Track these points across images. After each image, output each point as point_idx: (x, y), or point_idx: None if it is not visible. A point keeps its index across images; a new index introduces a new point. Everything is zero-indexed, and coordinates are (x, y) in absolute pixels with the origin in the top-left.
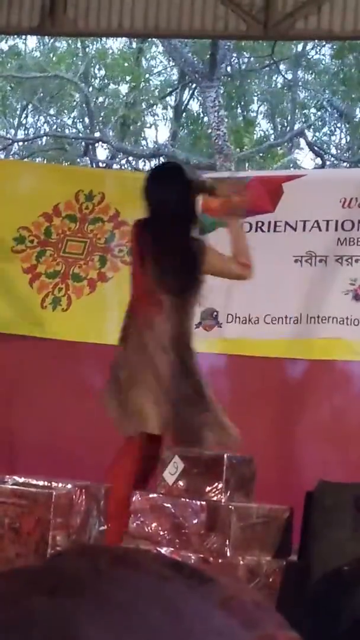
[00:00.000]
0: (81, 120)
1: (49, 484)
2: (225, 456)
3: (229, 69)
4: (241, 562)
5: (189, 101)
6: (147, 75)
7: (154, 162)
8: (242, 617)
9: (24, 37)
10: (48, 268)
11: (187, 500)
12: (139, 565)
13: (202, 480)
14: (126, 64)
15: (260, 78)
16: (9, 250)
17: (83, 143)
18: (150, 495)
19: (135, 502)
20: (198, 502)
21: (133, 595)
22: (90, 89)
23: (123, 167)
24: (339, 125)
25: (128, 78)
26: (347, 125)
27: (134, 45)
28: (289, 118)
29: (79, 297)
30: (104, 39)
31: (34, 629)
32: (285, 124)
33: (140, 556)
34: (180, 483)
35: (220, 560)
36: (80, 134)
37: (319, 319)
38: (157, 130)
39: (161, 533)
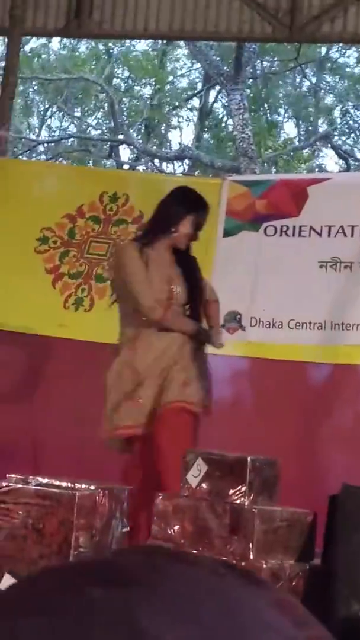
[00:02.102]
0: (106, 122)
1: (72, 485)
2: (249, 459)
3: (253, 71)
4: (264, 566)
5: (213, 103)
6: (171, 78)
7: (178, 164)
8: (292, 616)
9: (48, 39)
10: (71, 269)
11: (210, 503)
12: (193, 561)
13: (225, 483)
14: (150, 66)
15: (285, 81)
16: (32, 250)
17: (108, 145)
18: (173, 498)
19: (159, 505)
20: (221, 505)
21: (188, 588)
22: (115, 90)
23: (147, 169)
24: None
25: (152, 80)
26: None
27: (158, 47)
28: (313, 122)
29: (102, 298)
30: (127, 40)
31: (94, 618)
32: (310, 127)
33: (195, 555)
34: (204, 485)
35: (243, 564)
36: (105, 136)
37: (343, 326)
38: (182, 133)
39: (184, 535)
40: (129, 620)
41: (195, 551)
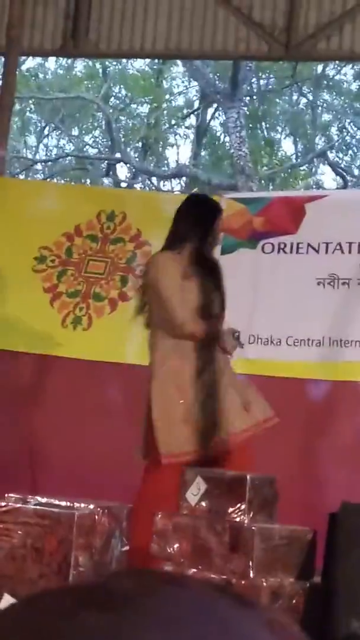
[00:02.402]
0: (103, 140)
1: (71, 505)
2: (247, 477)
3: (250, 89)
4: (264, 584)
5: (210, 122)
6: (167, 96)
7: (175, 182)
8: (285, 638)
9: (44, 58)
10: (69, 287)
11: (210, 521)
12: (184, 584)
13: (224, 501)
14: (147, 85)
15: (281, 99)
16: (30, 269)
17: (105, 163)
18: (173, 516)
19: (158, 523)
20: (220, 523)
21: (183, 611)
22: (112, 110)
23: (144, 188)
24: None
25: (149, 98)
26: None
27: (154, 66)
28: (310, 139)
29: (100, 317)
30: (124, 59)
31: None
32: (305, 143)
33: (186, 577)
34: (203, 504)
35: (243, 582)
36: (102, 155)
37: (342, 343)
38: (179, 151)
39: (184, 554)
40: None
41: (195, 569)
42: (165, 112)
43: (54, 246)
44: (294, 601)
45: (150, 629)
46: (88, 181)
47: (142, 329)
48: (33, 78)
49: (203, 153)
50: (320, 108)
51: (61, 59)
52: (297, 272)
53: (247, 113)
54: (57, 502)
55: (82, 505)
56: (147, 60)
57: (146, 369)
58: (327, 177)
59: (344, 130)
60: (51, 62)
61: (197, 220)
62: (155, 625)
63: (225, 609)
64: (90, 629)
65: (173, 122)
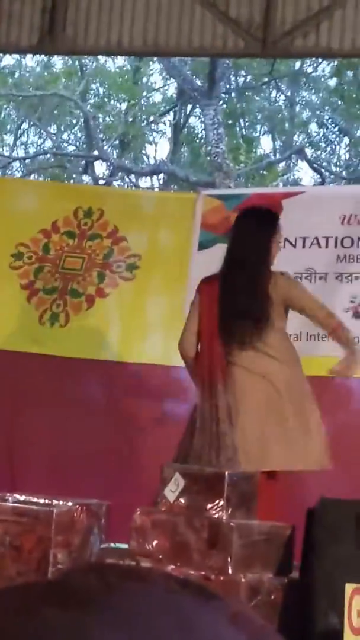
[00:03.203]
0: (81, 138)
1: (50, 502)
2: (226, 473)
3: (228, 86)
4: (243, 580)
5: (187, 118)
6: (145, 93)
7: (154, 179)
8: (249, 631)
9: (22, 55)
10: (46, 284)
11: (189, 517)
12: (147, 579)
13: (203, 498)
14: (124, 82)
15: (259, 96)
16: (7, 266)
17: (83, 161)
18: (151, 513)
19: (137, 519)
20: (199, 520)
21: (144, 607)
22: (89, 107)
23: (123, 185)
24: (338, 142)
25: (126, 96)
26: (347, 142)
27: (132, 63)
28: (288, 135)
29: (77, 314)
30: (101, 57)
31: (48, 638)
32: (283, 139)
33: (148, 572)
34: (182, 500)
35: (221, 578)
36: (80, 152)
37: (318, 337)
38: (157, 148)
39: (162, 550)
40: None
41: (173, 566)
42: (143, 109)
43: (31, 243)
44: (272, 597)
45: (112, 626)
46: (67, 179)
47: (120, 325)
48: (10, 76)
49: (182, 150)
50: (298, 105)
51: (39, 55)
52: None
53: (226, 110)
54: (35, 499)
55: (61, 502)
56: (124, 58)
57: (124, 366)
58: (305, 174)
59: (322, 126)
60: (28, 59)
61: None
62: (117, 622)
63: (188, 604)
64: (52, 627)
65: (151, 119)
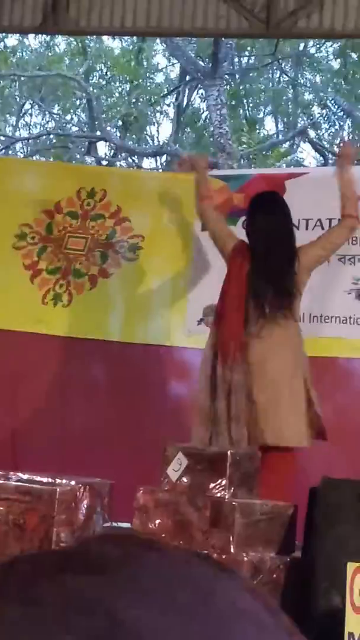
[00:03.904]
0: (84, 118)
1: (53, 481)
2: (228, 453)
3: (231, 67)
4: (245, 559)
5: (190, 99)
6: (148, 74)
7: (157, 160)
8: (265, 604)
9: (24, 35)
10: (49, 264)
11: (191, 496)
12: (166, 550)
13: (205, 477)
14: (127, 63)
15: (262, 76)
16: (10, 246)
17: (86, 142)
18: (154, 492)
19: (140, 499)
20: (201, 499)
21: (163, 577)
22: (92, 87)
23: (126, 166)
24: (341, 123)
25: (129, 76)
26: (350, 123)
27: (135, 43)
28: (291, 116)
29: (80, 293)
30: (104, 37)
31: (69, 607)
32: (286, 120)
33: (168, 544)
34: (184, 479)
35: (224, 557)
36: (83, 133)
37: (321, 318)
38: (160, 129)
39: (165, 529)
40: (105, 610)
41: (174, 544)
42: (146, 90)
43: (34, 223)
44: (274, 575)
45: (135, 595)
46: (70, 160)
47: (123, 306)
48: (13, 57)
49: (184, 131)
50: (301, 86)
51: (42, 36)
52: None
53: (229, 91)
54: (38, 478)
55: (64, 481)
56: (127, 38)
57: (127, 346)
58: (308, 155)
59: (325, 108)
60: (32, 40)
61: None
62: (138, 592)
63: (207, 576)
64: (73, 593)
65: (154, 100)
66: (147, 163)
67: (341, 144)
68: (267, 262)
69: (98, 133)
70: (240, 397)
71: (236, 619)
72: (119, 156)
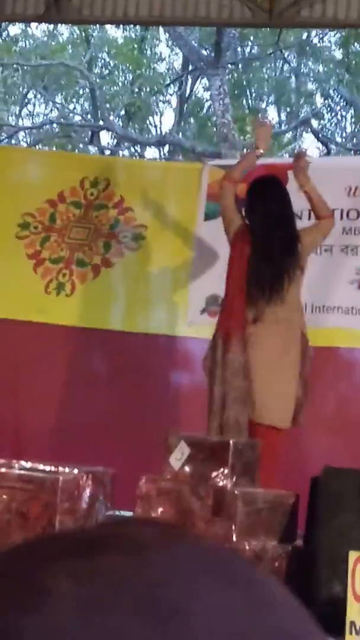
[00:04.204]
0: (87, 107)
1: (56, 469)
2: (230, 442)
3: (234, 57)
4: (247, 547)
5: (193, 89)
6: (151, 63)
7: (160, 149)
8: (290, 590)
9: (29, 24)
10: (52, 254)
11: (193, 485)
12: (199, 538)
13: (207, 466)
14: (130, 52)
15: (265, 66)
16: (14, 236)
17: (89, 131)
18: (157, 481)
19: (142, 488)
20: (204, 488)
21: (201, 560)
22: (95, 76)
23: (129, 155)
24: (344, 113)
25: (132, 66)
26: (353, 114)
27: (138, 32)
28: (294, 106)
29: (83, 283)
30: (107, 26)
31: (116, 589)
32: (289, 110)
33: (193, 532)
34: (186, 468)
35: (226, 546)
36: (86, 122)
37: (324, 309)
38: (163, 118)
39: (167, 518)
40: (150, 592)
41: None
42: (149, 79)
43: (37, 213)
44: (276, 564)
45: (179, 578)
46: (73, 149)
47: (126, 295)
48: (15, 45)
49: (187, 120)
50: (304, 76)
51: (45, 25)
52: None
53: (232, 81)
54: (41, 467)
55: (67, 470)
56: (130, 27)
57: (129, 335)
58: (311, 145)
59: (328, 98)
60: (35, 29)
61: None
62: (181, 573)
63: (238, 564)
64: (117, 574)
65: (157, 89)
66: (150, 153)
67: (296, 155)
68: (267, 245)
69: (101, 122)
70: (239, 377)
71: (274, 604)
72: (122, 145)
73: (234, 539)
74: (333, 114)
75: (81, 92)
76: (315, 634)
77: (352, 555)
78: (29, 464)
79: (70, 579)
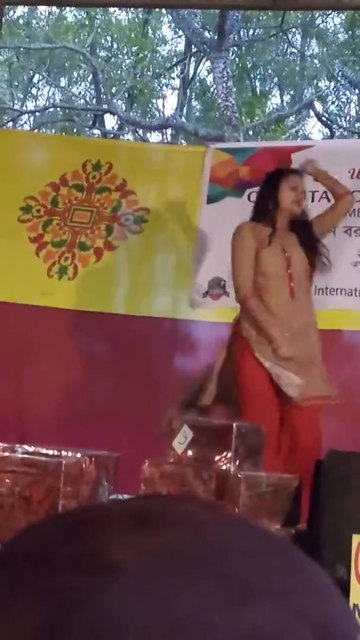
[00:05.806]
0: (90, 91)
1: (59, 453)
2: (234, 425)
3: (237, 39)
4: None
5: (196, 71)
6: (154, 46)
7: (163, 133)
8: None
9: (31, 7)
10: (55, 237)
11: (196, 469)
12: (225, 511)
13: (211, 449)
14: (133, 35)
15: (269, 48)
16: (16, 219)
17: (92, 114)
18: (160, 464)
19: (145, 471)
20: (207, 471)
21: (252, 544)
22: (99, 60)
23: (132, 138)
24: (348, 95)
25: (136, 49)
26: (358, 96)
27: (141, 15)
28: (298, 89)
29: (86, 266)
30: (110, 9)
31: (176, 561)
32: (293, 93)
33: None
34: (190, 452)
35: None
36: (89, 105)
37: (327, 291)
38: (166, 101)
39: None
40: (220, 568)
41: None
42: (152, 62)
43: (40, 196)
44: None
45: (247, 555)
46: (76, 133)
47: (128, 279)
48: (19, 28)
49: (190, 104)
50: (308, 58)
51: (49, 8)
52: None
53: (236, 63)
54: (44, 450)
55: (70, 453)
56: (133, 10)
57: (132, 319)
58: (315, 128)
59: (332, 80)
60: (38, 12)
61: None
62: (250, 554)
63: (297, 551)
64: (175, 544)
65: (160, 72)
66: (154, 136)
67: (306, 162)
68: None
69: (104, 106)
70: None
71: (332, 595)
72: (125, 129)
73: None
74: (337, 97)
75: (84, 75)
76: (357, 627)
77: (356, 538)
78: (32, 448)
79: (136, 553)
